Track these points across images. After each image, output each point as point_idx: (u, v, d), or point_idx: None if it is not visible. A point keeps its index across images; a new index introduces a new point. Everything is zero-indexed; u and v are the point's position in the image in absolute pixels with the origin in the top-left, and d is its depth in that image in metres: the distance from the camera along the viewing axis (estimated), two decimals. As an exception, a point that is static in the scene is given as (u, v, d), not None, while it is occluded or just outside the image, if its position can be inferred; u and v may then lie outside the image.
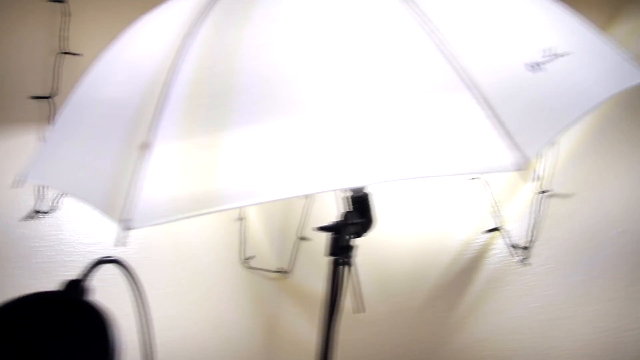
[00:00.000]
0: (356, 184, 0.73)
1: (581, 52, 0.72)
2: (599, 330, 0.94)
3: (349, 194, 0.98)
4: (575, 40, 0.74)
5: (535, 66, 0.64)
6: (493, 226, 1.11)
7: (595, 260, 0.97)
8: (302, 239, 1.35)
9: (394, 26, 0.61)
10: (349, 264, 0.97)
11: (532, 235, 1.05)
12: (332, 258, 0.92)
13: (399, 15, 0.60)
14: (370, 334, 1.21)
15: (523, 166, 0.50)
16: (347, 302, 1.23)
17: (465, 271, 1.12)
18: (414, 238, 1.23)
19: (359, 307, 1.03)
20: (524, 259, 1.05)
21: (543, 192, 1.06)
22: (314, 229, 0.99)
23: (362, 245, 1.29)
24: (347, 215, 0.96)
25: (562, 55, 0.68)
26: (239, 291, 1.34)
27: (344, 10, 0.63)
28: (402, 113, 0.57)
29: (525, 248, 1.05)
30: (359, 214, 0.97)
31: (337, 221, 0.95)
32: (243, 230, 1.36)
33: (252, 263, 1.37)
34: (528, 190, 1.08)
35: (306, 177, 0.59)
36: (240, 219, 1.37)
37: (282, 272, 1.40)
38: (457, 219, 1.17)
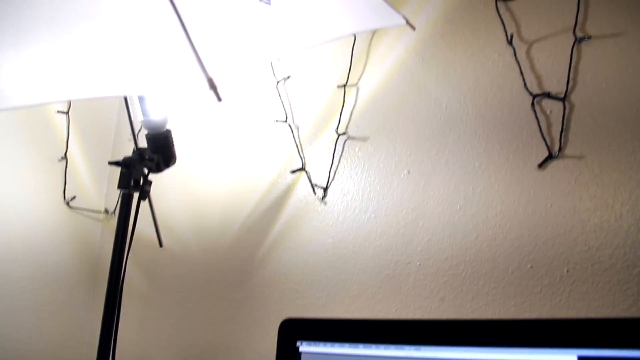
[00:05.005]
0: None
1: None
2: (380, 265, 1.03)
3: (146, 132, 1.00)
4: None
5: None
6: (298, 167, 1.17)
7: (385, 199, 1.05)
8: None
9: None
10: (143, 197, 1.00)
11: (331, 176, 1.12)
12: (122, 191, 0.95)
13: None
14: (185, 270, 1.25)
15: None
16: (165, 239, 1.27)
17: (271, 209, 1.17)
18: (226, 178, 1.26)
19: (158, 240, 1.06)
20: (323, 197, 1.12)
21: (341, 134, 1.12)
22: (109, 163, 1.01)
23: (177, 186, 1.33)
24: (140, 151, 0.99)
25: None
26: (60, 232, 1.33)
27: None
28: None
29: (325, 188, 1.12)
30: (153, 150, 1.00)
31: (129, 156, 0.97)
32: (66, 170, 1.34)
33: (76, 203, 1.36)
34: (330, 133, 1.14)
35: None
36: (64, 158, 1.34)
37: (107, 212, 1.41)
38: (265, 160, 1.21)
